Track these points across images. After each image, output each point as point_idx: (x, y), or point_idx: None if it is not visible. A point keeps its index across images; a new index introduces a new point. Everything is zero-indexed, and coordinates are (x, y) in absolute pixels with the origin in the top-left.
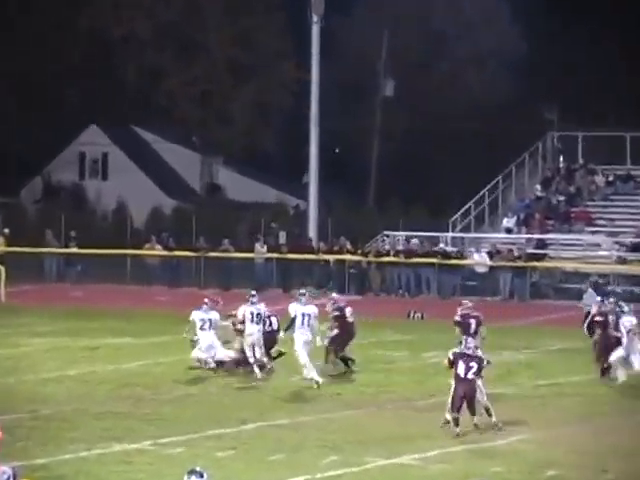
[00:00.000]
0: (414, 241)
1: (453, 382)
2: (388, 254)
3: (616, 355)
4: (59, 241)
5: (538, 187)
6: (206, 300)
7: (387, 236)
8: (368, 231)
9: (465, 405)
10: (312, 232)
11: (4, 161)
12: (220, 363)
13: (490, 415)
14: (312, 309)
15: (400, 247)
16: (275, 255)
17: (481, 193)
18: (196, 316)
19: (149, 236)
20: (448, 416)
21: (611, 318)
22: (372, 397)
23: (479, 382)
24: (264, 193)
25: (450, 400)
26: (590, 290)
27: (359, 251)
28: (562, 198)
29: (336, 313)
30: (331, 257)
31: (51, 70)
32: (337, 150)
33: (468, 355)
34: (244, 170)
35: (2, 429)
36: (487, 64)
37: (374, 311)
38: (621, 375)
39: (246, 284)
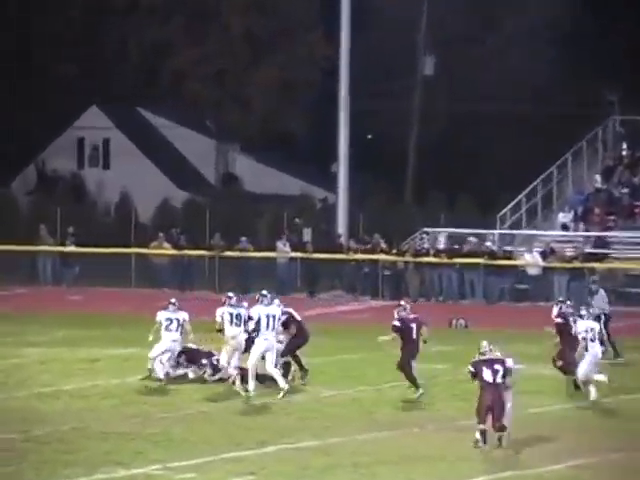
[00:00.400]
0: (471, 240)
1: (479, 391)
2: (428, 254)
3: (582, 370)
4: (55, 238)
5: (598, 178)
6: (173, 300)
7: (427, 233)
8: (405, 227)
9: (490, 415)
10: (341, 228)
11: None
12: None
13: (500, 438)
14: (276, 310)
15: (441, 246)
16: (299, 255)
17: (533, 185)
18: (162, 316)
19: (157, 233)
20: (478, 435)
21: (572, 321)
22: (410, 416)
23: (508, 393)
24: (287, 184)
25: (476, 411)
26: (601, 292)
27: (395, 250)
28: (625, 190)
29: (285, 316)
30: (363, 257)
31: (44, 44)
32: (370, 136)
33: (489, 359)
34: (264, 158)
35: None
36: (540, 37)
37: None
38: (593, 392)
39: (267, 287)
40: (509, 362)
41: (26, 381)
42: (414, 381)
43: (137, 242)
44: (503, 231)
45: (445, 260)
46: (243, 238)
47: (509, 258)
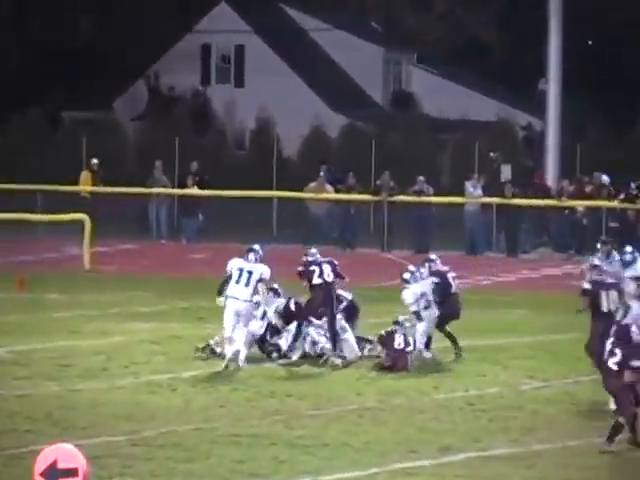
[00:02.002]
0: None
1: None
2: None
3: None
4: (172, 177)
5: None
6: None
7: None
8: (637, 164)
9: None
10: (551, 166)
11: (88, 57)
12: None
13: None
14: (259, 268)
15: None
16: (495, 200)
17: None
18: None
19: (307, 169)
20: None
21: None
22: None
23: None
24: (478, 106)
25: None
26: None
27: (622, 195)
28: None
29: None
30: (580, 204)
31: None
32: (590, 42)
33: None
34: (449, 72)
35: (87, 459)
36: None
37: None
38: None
39: (452, 243)
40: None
41: (133, 366)
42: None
43: (280, 183)
44: None
45: None
46: (420, 178)
47: None
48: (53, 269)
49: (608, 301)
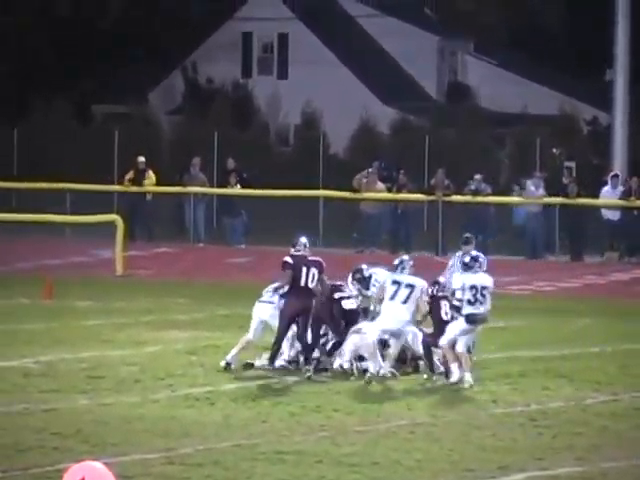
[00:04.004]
0: None
1: None
2: None
3: None
4: (211, 175)
5: None
6: None
7: None
8: None
9: None
10: (619, 163)
11: (121, 47)
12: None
13: None
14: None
15: None
16: (557, 200)
17: None
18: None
19: (356, 167)
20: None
21: None
22: None
23: None
24: (540, 99)
25: None
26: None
27: None
28: None
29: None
30: None
31: None
32: None
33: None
34: (507, 62)
35: (118, 478)
36: None
37: None
38: None
39: (512, 247)
40: None
41: (169, 378)
42: None
43: (327, 181)
44: None
45: None
46: (477, 176)
47: None
48: (83, 274)
49: (307, 277)
